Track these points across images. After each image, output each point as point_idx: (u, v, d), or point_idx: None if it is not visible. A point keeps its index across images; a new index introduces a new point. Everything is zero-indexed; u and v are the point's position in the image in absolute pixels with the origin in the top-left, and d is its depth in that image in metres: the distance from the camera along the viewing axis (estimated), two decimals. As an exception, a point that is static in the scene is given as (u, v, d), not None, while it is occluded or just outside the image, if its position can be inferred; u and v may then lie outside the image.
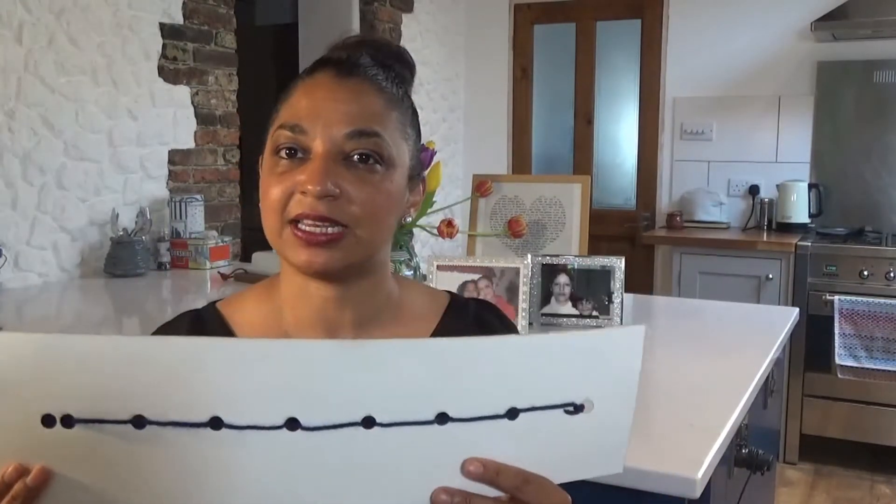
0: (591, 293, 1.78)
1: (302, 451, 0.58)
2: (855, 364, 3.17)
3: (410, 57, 0.87)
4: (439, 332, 0.86)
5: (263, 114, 0.83)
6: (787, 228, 3.65)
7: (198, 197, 2.76)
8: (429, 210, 1.80)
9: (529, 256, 1.76)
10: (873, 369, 3.15)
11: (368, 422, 0.58)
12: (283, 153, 0.76)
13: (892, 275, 3.17)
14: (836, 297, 3.19)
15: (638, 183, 4.19)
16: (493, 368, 0.59)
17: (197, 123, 2.88)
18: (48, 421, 0.56)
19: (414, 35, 3.98)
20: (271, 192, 0.76)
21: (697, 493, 1.02)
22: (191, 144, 2.87)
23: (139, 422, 0.56)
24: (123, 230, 2.51)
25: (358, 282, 0.81)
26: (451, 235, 1.81)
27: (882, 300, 3.14)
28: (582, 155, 4.28)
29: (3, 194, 2.27)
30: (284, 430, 0.57)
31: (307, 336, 0.81)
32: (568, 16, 4.25)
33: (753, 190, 3.87)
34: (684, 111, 4.02)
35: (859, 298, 3.17)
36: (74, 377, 0.56)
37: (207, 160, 2.94)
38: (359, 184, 0.75)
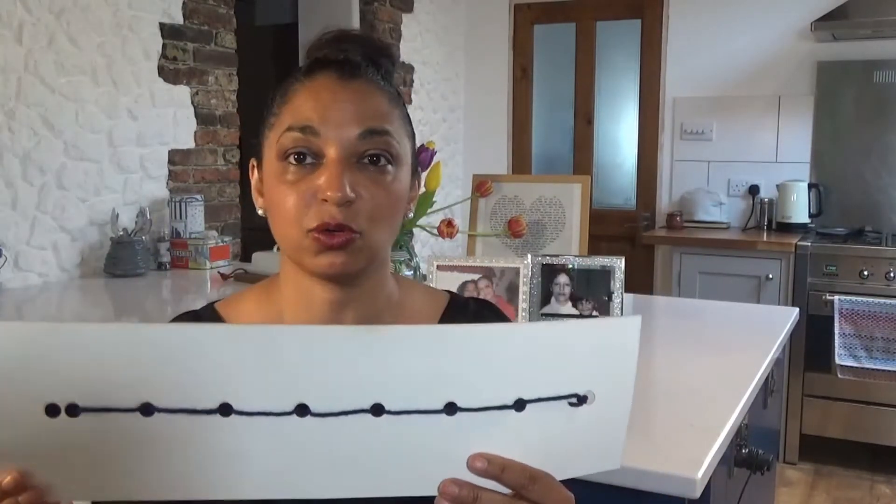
0: (591, 293, 1.78)
1: (311, 437, 0.57)
2: (855, 364, 3.17)
3: (392, 50, 0.86)
4: None
5: (273, 102, 0.82)
6: (787, 228, 3.65)
7: (198, 197, 2.76)
8: (429, 210, 1.80)
9: (529, 256, 1.76)
10: (873, 369, 3.15)
11: (377, 409, 0.57)
12: (292, 158, 0.75)
13: (892, 275, 3.17)
14: (836, 297, 3.19)
15: (638, 183, 4.19)
16: (501, 357, 0.58)
17: (197, 123, 2.88)
18: (52, 410, 0.56)
19: (414, 35, 3.98)
20: (287, 203, 0.74)
21: (697, 493, 1.02)
22: (191, 144, 2.87)
23: (147, 409, 0.56)
24: (123, 230, 2.51)
25: (361, 283, 0.80)
26: (451, 235, 1.81)
27: (882, 300, 3.14)
28: (582, 155, 4.28)
29: (3, 194, 2.27)
30: (294, 416, 0.57)
31: None
32: (568, 16, 4.25)
33: (753, 190, 3.88)
34: (684, 111, 4.02)
35: (859, 298, 3.17)
36: (79, 365, 0.55)
37: (207, 160, 2.94)
38: (372, 186, 0.75)
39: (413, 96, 3.99)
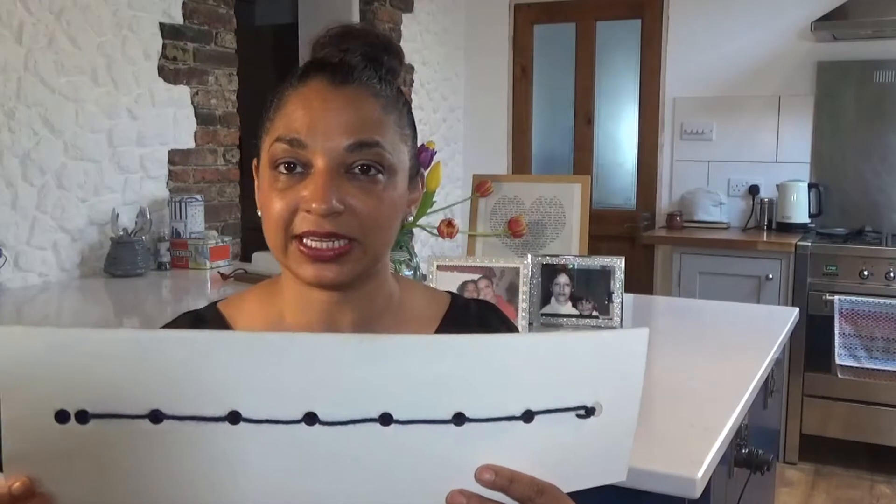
0: (591, 293, 1.78)
1: (319, 445, 0.57)
2: (855, 364, 3.17)
3: (397, 45, 0.85)
4: (441, 333, 0.86)
5: (269, 105, 0.82)
6: (787, 228, 3.65)
7: (198, 197, 2.76)
8: (429, 210, 1.80)
9: (529, 256, 1.76)
10: (873, 369, 3.15)
11: (386, 418, 0.57)
12: (281, 168, 0.75)
13: (892, 275, 3.17)
14: (836, 297, 3.19)
15: (638, 183, 4.19)
16: (510, 367, 0.58)
17: (197, 123, 2.88)
18: (62, 416, 0.55)
19: (414, 35, 3.98)
20: (273, 209, 0.75)
21: (697, 493, 1.02)
22: (191, 144, 2.87)
23: (156, 416, 0.56)
24: (123, 230, 2.51)
25: (358, 287, 0.80)
26: (451, 235, 1.81)
27: (882, 300, 3.14)
28: (582, 155, 4.28)
29: (3, 194, 2.27)
30: (303, 424, 0.57)
31: None
32: (568, 16, 4.25)
33: (753, 190, 3.88)
34: (684, 111, 4.02)
35: (859, 298, 3.17)
36: (89, 372, 0.55)
37: (207, 160, 2.94)
38: (362, 196, 0.74)
39: (413, 96, 3.98)
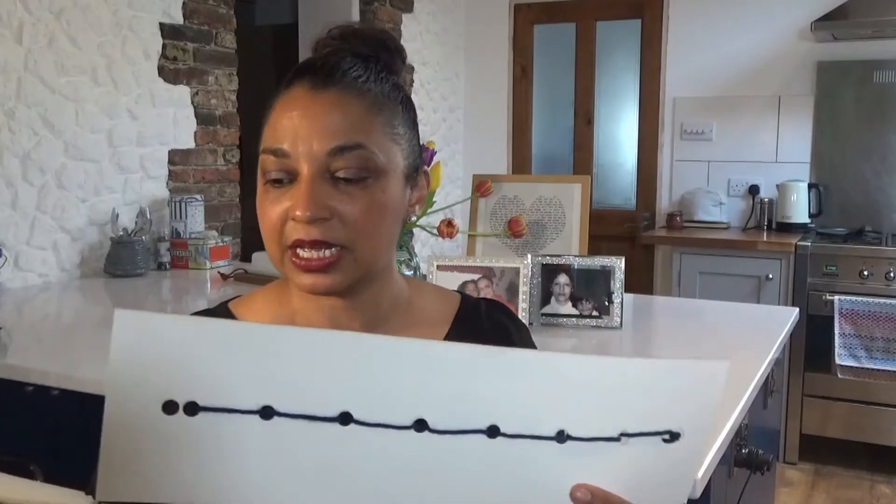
0: (591, 293, 1.78)
1: (426, 453, 0.57)
2: (855, 364, 3.17)
3: (398, 43, 0.83)
4: (452, 334, 0.86)
5: (263, 114, 0.82)
6: (787, 228, 3.65)
7: (198, 197, 2.76)
8: (429, 210, 1.80)
9: (529, 256, 1.76)
10: (873, 369, 3.15)
11: (493, 431, 0.57)
12: (271, 176, 0.75)
13: (892, 275, 3.17)
14: (836, 297, 3.19)
15: (638, 183, 4.19)
16: (609, 389, 0.58)
17: (197, 123, 2.88)
18: (170, 408, 0.54)
19: (414, 35, 3.98)
20: (266, 219, 0.75)
21: (697, 493, 1.02)
22: (191, 144, 2.87)
23: (267, 412, 0.55)
24: (123, 230, 2.51)
25: (364, 291, 0.80)
26: (451, 235, 1.81)
27: (882, 300, 3.14)
28: (582, 155, 4.28)
29: (3, 194, 2.27)
30: (412, 430, 0.56)
31: None
32: (568, 16, 4.25)
33: (753, 190, 3.88)
34: (684, 111, 4.02)
35: (859, 298, 3.17)
36: (202, 363, 0.54)
37: (207, 160, 2.94)
38: (349, 201, 0.74)
39: (413, 96, 3.97)
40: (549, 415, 0.58)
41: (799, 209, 3.66)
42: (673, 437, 0.60)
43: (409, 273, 1.76)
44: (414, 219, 0.87)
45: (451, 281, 1.73)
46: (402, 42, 3.92)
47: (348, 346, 0.56)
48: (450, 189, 4.18)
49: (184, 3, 2.79)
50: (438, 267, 1.75)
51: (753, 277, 3.42)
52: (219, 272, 2.51)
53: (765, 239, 3.52)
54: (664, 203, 4.10)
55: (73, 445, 1.50)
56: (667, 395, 0.60)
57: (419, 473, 0.58)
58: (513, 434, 0.57)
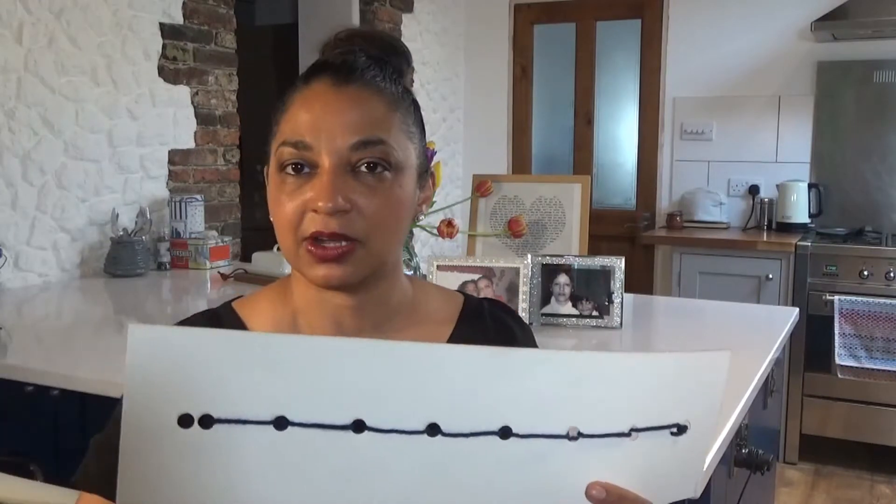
0: (591, 293, 1.78)
1: (441, 457, 0.57)
2: (855, 364, 3.17)
3: (404, 46, 0.85)
4: (456, 334, 0.86)
5: (263, 114, 0.82)
6: (787, 228, 3.65)
7: (198, 197, 2.76)
8: (429, 210, 1.80)
9: (529, 256, 1.76)
10: (873, 369, 3.15)
11: (505, 432, 0.57)
12: (289, 170, 0.75)
13: (892, 275, 3.17)
14: (836, 297, 3.19)
15: (638, 183, 4.19)
16: (618, 385, 0.59)
17: (197, 123, 2.88)
18: (185, 421, 0.55)
19: (414, 35, 3.98)
20: (283, 211, 0.75)
21: (697, 493, 1.01)
22: (191, 144, 2.87)
23: (281, 423, 0.55)
24: (123, 230, 2.51)
25: (372, 288, 0.81)
26: (451, 235, 1.81)
27: (882, 300, 3.14)
28: (582, 155, 4.28)
29: (3, 194, 2.27)
30: (425, 435, 0.57)
31: None
32: (568, 16, 4.25)
33: (753, 190, 3.88)
34: (684, 111, 4.02)
35: (859, 298, 3.17)
36: (215, 375, 0.54)
37: (207, 160, 2.94)
38: (369, 195, 0.75)
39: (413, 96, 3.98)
40: (560, 413, 0.58)
41: (799, 209, 3.66)
42: (680, 429, 0.61)
43: (409, 273, 1.76)
44: (422, 217, 0.87)
45: (451, 281, 1.73)
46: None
47: (359, 354, 0.56)
48: (450, 189, 4.18)
49: (184, 3, 2.79)
50: (438, 267, 1.75)
51: (753, 277, 3.42)
52: (219, 272, 2.51)
53: (765, 239, 3.52)
54: (664, 203, 4.10)
55: (73, 445, 1.50)
56: (673, 389, 0.60)
57: (433, 477, 0.58)
58: (525, 434, 0.58)
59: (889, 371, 3.13)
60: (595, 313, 1.78)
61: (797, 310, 1.99)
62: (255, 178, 0.84)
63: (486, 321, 0.88)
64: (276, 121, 0.79)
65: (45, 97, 2.36)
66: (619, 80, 4.23)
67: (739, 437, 1.34)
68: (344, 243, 0.74)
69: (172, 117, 2.79)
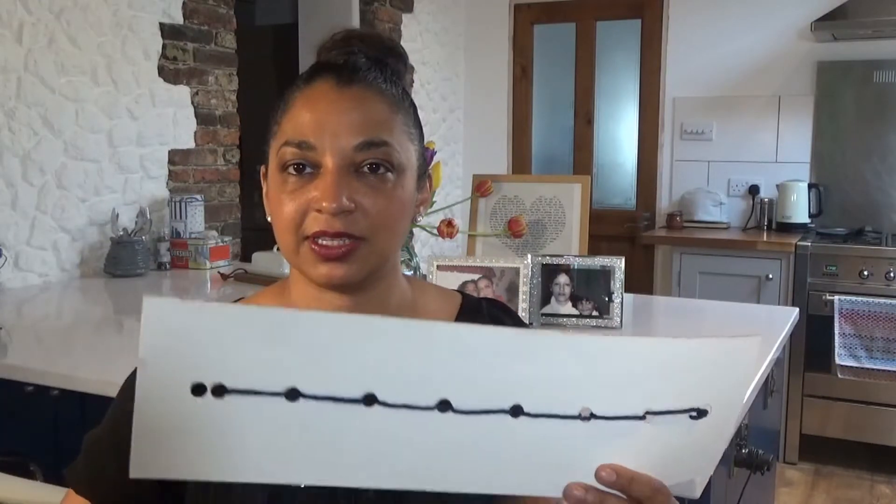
0: (591, 293, 1.78)
1: (450, 433, 0.57)
2: (855, 364, 3.17)
3: (402, 48, 0.85)
4: None
5: (263, 114, 0.82)
6: (787, 228, 3.65)
7: (198, 197, 2.76)
8: (429, 210, 1.80)
9: (529, 256, 1.76)
10: (873, 369, 3.15)
11: (516, 410, 0.58)
12: (291, 169, 0.75)
13: (892, 275, 3.17)
14: (836, 297, 3.19)
15: (638, 183, 4.19)
16: (634, 368, 0.59)
17: (197, 123, 2.88)
18: (198, 390, 0.55)
19: (414, 35, 3.98)
20: (284, 211, 0.75)
21: (697, 493, 1.01)
22: (191, 144, 2.87)
23: (293, 394, 0.56)
24: (123, 230, 2.51)
25: (371, 288, 0.81)
26: (451, 235, 1.81)
27: (882, 300, 3.14)
28: (582, 155, 4.28)
29: (3, 194, 2.27)
30: (436, 411, 0.57)
31: None
32: (568, 16, 4.25)
33: (753, 190, 3.88)
34: (684, 111, 4.02)
35: (859, 298, 3.17)
36: (229, 347, 0.55)
37: (207, 160, 2.94)
38: (372, 195, 0.75)
39: (413, 96, 3.97)
40: (573, 394, 0.58)
41: (799, 209, 3.66)
42: (700, 413, 0.60)
43: (409, 273, 1.76)
44: (420, 218, 0.87)
45: (451, 281, 1.73)
46: (402, 42, 3.92)
47: (372, 329, 0.56)
48: (450, 189, 4.18)
49: (184, 3, 2.79)
50: (438, 267, 1.75)
51: (753, 277, 3.42)
52: (219, 272, 2.51)
53: (765, 239, 3.52)
54: (664, 203, 4.10)
55: (73, 445, 1.50)
56: (695, 375, 0.60)
57: (443, 453, 0.58)
58: (536, 413, 0.58)
59: (889, 371, 3.13)
60: (595, 313, 1.78)
61: (797, 310, 1.99)
62: (255, 178, 0.84)
63: (485, 321, 0.89)
64: (277, 121, 0.79)
65: (45, 97, 2.36)
66: (619, 80, 4.23)
67: (739, 437, 1.34)
68: (347, 241, 0.74)
69: (172, 117, 2.79)
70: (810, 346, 3.28)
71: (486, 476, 0.59)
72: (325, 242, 0.74)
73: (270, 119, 0.81)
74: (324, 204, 0.73)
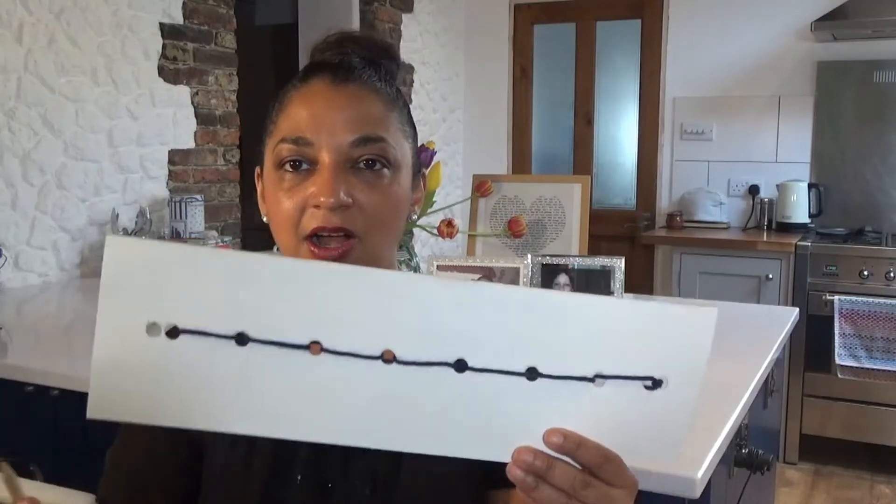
0: (592, 293, 1.78)
1: (394, 385, 0.58)
2: (855, 364, 3.17)
3: (395, 50, 0.86)
4: None
5: (263, 114, 0.82)
6: (787, 228, 3.65)
7: (198, 197, 2.76)
8: (429, 210, 1.80)
9: (529, 256, 1.76)
10: (873, 369, 3.15)
11: (461, 364, 0.57)
12: (287, 166, 0.75)
13: (892, 275, 3.17)
14: (836, 297, 3.19)
15: (638, 183, 4.19)
16: (585, 328, 0.58)
17: (197, 123, 2.88)
18: (153, 329, 0.56)
19: (414, 35, 3.98)
20: (282, 208, 0.75)
21: (697, 493, 1.02)
22: (191, 144, 2.87)
23: (242, 339, 0.57)
24: (123, 230, 2.51)
25: None
26: (451, 235, 1.81)
27: (882, 300, 3.14)
28: (582, 155, 4.28)
29: (3, 194, 2.27)
30: (380, 361, 0.57)
31: None
32: (568, 16, 4.25)
33: (753, 190, 3.88)
34: (684, 111, 4.02)
35: (859, 298, 3.17)
36: (184, 288, 0.56)
37: (207, 160, 2.94)
38: (368, 191, 0.75)
39: (413, 96, 3.99)
40: (519, 350, 0.58)
41: (799, 209, 3.66)
42: (656, 383, 0.59)
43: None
44: (415, 217, 0.87)
45: (451, 281, 1.73)
46: (402, 42, 3.91)
47: (320, 277, 0.57)
48: (450, 189, 4.18)
49: (184, 3, 2.79)
50: (438, 267, 1.75)
51: (753, 277, 3.42)
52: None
53: (765, 239, 3.52)
54: (664, 203, 4.10)
55: (73, 445, 1.50)
56: (649, 340, 0.59)
57: (387, 403, 0.58)
58: (480, 368, 0.57)
59: (889, 371, 3.13)
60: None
61: (797, 310, 1.99)
62: (254, 190, 0.84)
63: None
64: (273, 120, 0.79)
65: (45, 97, 2.36)
66: (619, 80, 4.23)
67: (739, 437, 1.34)
68: (344, 237, 0.75)
69: (172, 117, 2.79)
70: (810, 346, 3.28)
71: (432, 435, 0.59)
72: (322, 243, 0.74)
73: (266, 119, 0.81)
74: (321, 199, 0.73)
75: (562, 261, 1.80)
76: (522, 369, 0.58)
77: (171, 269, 0.56)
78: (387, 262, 0.82)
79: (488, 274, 1.74)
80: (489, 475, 0.77)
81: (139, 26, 2.64)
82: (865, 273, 3.21)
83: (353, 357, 0.57)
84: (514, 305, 0.57)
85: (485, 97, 4.41)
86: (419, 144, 1.70)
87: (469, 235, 2.00)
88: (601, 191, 4.28)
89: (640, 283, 3.99)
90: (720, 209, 3.88)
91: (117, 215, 2.53)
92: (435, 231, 1.82)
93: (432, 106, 4.15)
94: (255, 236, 2.77)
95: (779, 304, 3.27)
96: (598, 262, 1.78)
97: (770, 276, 3.37)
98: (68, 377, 1.44)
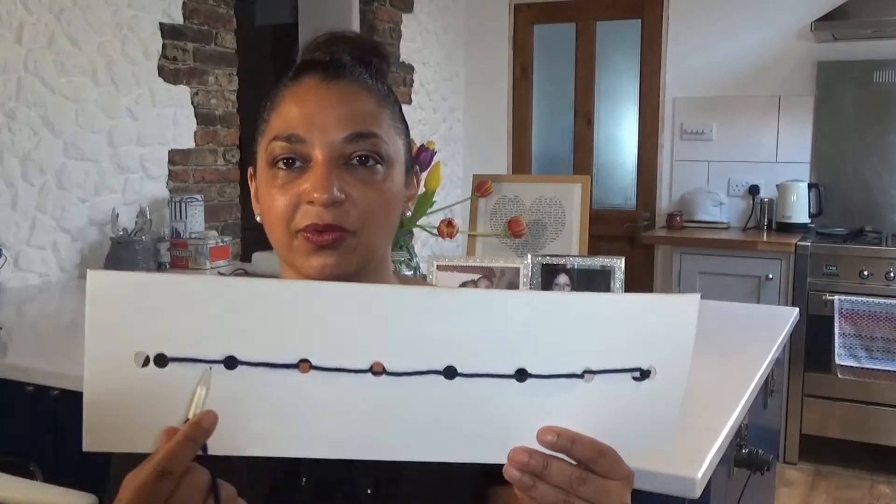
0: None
1: (385, 396, 0.58)
2: (855, 364, 3.17)
3: (386, 49, 0.86)
4: None
5: (263, 108, 0.82)
6: (787, 228, 3.65)
7: (198, 197, 2.76)
8: (429, 210, 1.80)
9: (529, 256, 1.76)
10: (873, 369, 3.15)
11: (450, 371, 0.58)
12: (280, 164, 0.76)
13: (892, 275, 3.17)
14: (836, 297, 3.19)
15: (638, 183, 4.19)
16: (570, 325, 0.58)
17: (197, 123, 2.88)
18: (141, 359, 0.57)
19: (414, 35, 3.98)
20: (275, 205, 0.76)
21: (697, 493, 1.02)
22: (191, 144, 2.87)
23: (231, 362, 0.57)
24: (123, 230, 2.51)
25: (360, 283, 0.81)
26: (451, 235, 1.81)
27: (882, 300, 3.14)
28: (582, 155, 4.28)
29: (3, 194, 2.27)
30: (369, 374, 0.58)
31: None
32: (568, 16, 4.25)
33: (753, 190, 3.88)
34: (684, 111, 4.02)
35: (859, 298, 3.17)
36: (169, 317, 0.56)
37: (207, 160, 2.94)
38: (362, 187, 0.75)
39: (413, 96, 3.99)
40: (507, 353, 0.58)
41: (799, 209, 3.66)
42: (644, 374, 0.60)
43: (409, 273, 1.76)
44: (409, 214, 0.87)
45: (451, 281, 1.73)
46: (402, 42, 3.91)
47: (303, 296, 0.57)
48: (450, 189, 4.18)
49: (184, 3, 2.79)
50: (438, 267, 1.75)
51: (753, 277, 3.42)
52: (219, 272, 2.51)
53: (765, 239, 3.52)
54: (664, 203, 4.10)
55: (73, 445, 1.50)
56: (634, 331, 0.59)
57: (379, 416, 0.59)
58: (470, 373, 0.58)
59: (889, 371, 3.13)
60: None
61: (797, 310, 1.99)
62: (248, 189, 0.84)
63: None
64: (265, 119, 0.79)
65: (45, 97, 2.36)
66: (619, 81, 4.23)
67: (739, 437, 1.34)
68: (339, 232, 0.75)
69: (172, 117, 2.79)
70: (810, 346, 3.28)
71: (427, 442, 0.59)
72: (316, 232, 0.75)
73: (257, 118, 0.81)
74: (315, 195, 0.73)
75: (562, 261, 1.80)
76: (511, 371, 0.58)
77: (155, 300, 0.56)
78: (380, 257, 0.82)
79: (488, 274, 1.74)
80: (490, 472, 0.77)
81: (139, 26, 2.64)
82: (865, 273, 3.21)
83: (343, 372, 0.58)
84: (497, 309, 0.58)
85: (485, 97, 4.41)
86: (419, 144, 1.70)
87: (469, 235, 2.00)
88: (601, 191, 4.28)
89: (640, 283, 3.99)
90: (720, 209, 3.88)
91: (117, 215, 2.53)
92: (435, 231, 1.82)
93: (432, 106, 4.15)
94: (255, 236, 2.76)
95: (779, 304, 3.27)
96: (598, 262, 1.78)
97: (770, 276, 3.37)
98: (68, 377, 1.44)
